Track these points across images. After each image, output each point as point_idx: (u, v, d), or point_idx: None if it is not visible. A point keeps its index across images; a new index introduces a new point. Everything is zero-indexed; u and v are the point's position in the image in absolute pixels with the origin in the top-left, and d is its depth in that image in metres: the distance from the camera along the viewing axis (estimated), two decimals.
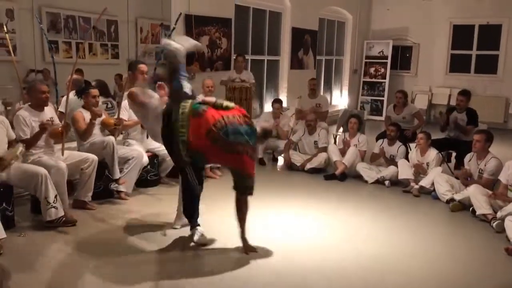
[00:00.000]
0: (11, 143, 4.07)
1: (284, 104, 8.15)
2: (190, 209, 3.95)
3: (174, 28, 5.86)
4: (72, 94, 5.47)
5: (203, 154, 3.64)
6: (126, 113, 5.24)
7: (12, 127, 4.24)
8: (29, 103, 4.43)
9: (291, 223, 4.50)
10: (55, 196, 4.02)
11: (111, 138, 4.82)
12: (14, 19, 6.67)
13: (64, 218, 4.09)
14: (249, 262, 3.61)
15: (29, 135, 4.22)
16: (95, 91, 4.99)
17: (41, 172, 3.97)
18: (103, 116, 5.04)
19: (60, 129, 4.35)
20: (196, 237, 3.89)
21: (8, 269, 1.84)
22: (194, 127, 3.55)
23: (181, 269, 3.50)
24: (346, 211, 4.92)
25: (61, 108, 5.40)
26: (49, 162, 4.21)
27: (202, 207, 4.02)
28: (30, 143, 4.22)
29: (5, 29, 5.42)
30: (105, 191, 4.89)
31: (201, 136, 3.53)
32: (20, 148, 3.91)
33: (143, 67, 5.33)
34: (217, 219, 4.33)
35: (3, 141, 4.00)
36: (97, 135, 4.91)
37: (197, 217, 3.98)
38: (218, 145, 3.52)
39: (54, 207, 4.01)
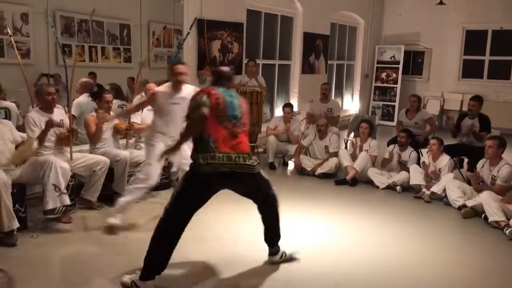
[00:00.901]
0: (18, 145, 4.15)
1: (295, 109, 8.15)
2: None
3: (188, 33, 5.89)
4: (84, 97, 5.55)
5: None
6: (138, 117, 5.27)
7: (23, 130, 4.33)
8: (39, 106, 4.50)
9: (301, 228, 4.48)
10: (66, 187, 4.10)
11: (126, 154, 4.82)
12: (29, 23, 6.77)
13: (64, 208, 4.15)
14: (258, 266, 3.61)
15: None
16: (109, 96, 5.04)
17: (49, 160, 4.06)
18: (116, 121, 5.07)
19: (66, 133, 4.40)
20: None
21: (14, 277, 1.86)
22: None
23: (192, 270, 3.50)
24: (356, 216, 4.89)
25: (74, 112, 5.46)
26: (57, 163, 4.25)
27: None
28: (39, 141, 4.27)
29: (9, 31, 5.49)
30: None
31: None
32: (34, 144, 4.00)
33: (180, 67, 4.52)
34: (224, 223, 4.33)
35: (9, 140, 4.10)
36: (108, 140, 4.95)
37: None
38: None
39: (64, 193, 4.07)
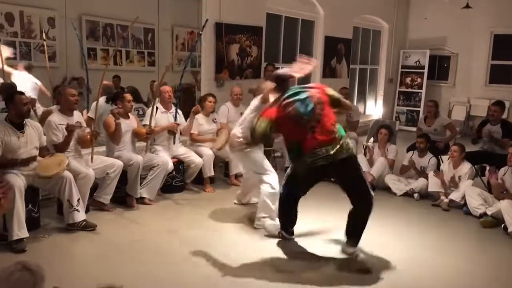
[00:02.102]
0: (41, 150, 4.17)
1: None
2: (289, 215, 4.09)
3: (200, 34, 5.93)
4: (102, 100, 5.64)
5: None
6: (153, 119, 5.33)
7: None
8: (59, 107, 4.58)
9: (312, 234, 4.43)
10: (78, 200, 4.12)
11: (139, 159, 4.86)
12: (55, 27, 6.96)
13: (84, 222, 4.18)
14: (263, 268, 3.59)
15: (62, 139, 4.35)
16: (129, 96, 5.10)
17: (65, 175, 4.06)
18: (135, 123, 5.13)
19: (88, 136, 4.47)
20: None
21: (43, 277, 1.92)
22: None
23: (194, 270, 3.52)
24: (372, 224, 4.76)
25: (91, 114, 5.55)
26: (78, 168, 4.32)
27: None
28: (62, 147, 4.34)
29: (43, 36, 5.66)
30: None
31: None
32: (66, 161, 4.03)
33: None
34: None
35: (35, 146, 4.10)
36: (127, 144, 5.00)
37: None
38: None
39: (76, 210, 4.11)
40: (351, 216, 3.88)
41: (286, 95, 3.68)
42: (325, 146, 3.54)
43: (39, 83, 6.21)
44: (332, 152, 3.54)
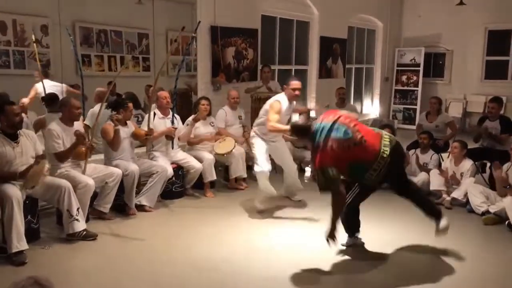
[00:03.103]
0: (36, 158, 4.09)
1: (312, 114, 8.05)
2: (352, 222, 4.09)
3: (194, 37, 5.90)
4: (99, 107, 5.58)
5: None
6: (151, 125, 5.27)
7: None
8: (60, 117, 4.52)
9: (316, 237, 4.39)
10: (78, 209, 4.07)
11: (135, 168, 4.81)
12: (49, 35, 6.90)
13: (85, 232, 4.13)
14: (270, 272, 3.55)
15: (63, 148, 4.30)
16: (131, 105, 5.08)
17: (64, 185, 4.02)
18: (133, 128, 5.09)
19: (83, 149, 4.41)
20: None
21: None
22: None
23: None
24: (372, 223, 4.75)
25: (87, 121, 5.50)
26: (78, 177, 4.27)
27: None
28: (65, 155, 4.30)
29: (33, 37, 5.63)
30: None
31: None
32: (46, 165, 3.97)
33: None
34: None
35: (31, 156, 4.04)
36: (125, 151, 4.95)
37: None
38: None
39: (76, 219, 4.06)
40: (417, 205, 4.03)
41: (317, 138, 3.65)
42: (382, 148, 3.61)
43: (63, 85, 6.27)
44: (388, 151, 3.61)
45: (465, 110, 11.09)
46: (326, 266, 3.76)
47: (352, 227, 4.14)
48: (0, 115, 3.88)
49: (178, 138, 5.58)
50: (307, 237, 4.36)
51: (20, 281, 1.72)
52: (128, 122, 5.10)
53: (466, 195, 5.19)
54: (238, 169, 5.85)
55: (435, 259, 3.96)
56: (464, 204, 5.23)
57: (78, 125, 4.62)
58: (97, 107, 5.64)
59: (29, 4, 6.63)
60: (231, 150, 5.66)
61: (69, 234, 4.09)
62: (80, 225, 4.10)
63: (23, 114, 4.99)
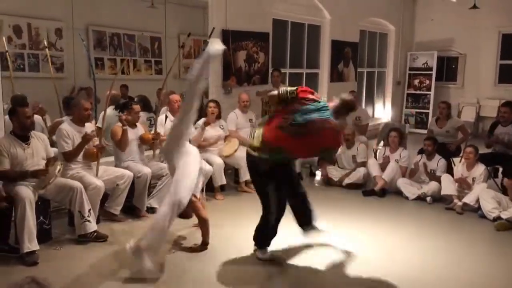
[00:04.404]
0: (49, 161, 4.16)
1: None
2: (272, 234, 3.93)
3: (207, 42, 5.93)
4: (110, 109, 5.64)
5: (282, 147, 3.59)
6: (162, 128, 5.31)
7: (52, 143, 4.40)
8: (71, 118, 4.58)
9: (325, 240, 4.39)
10: (89, 210, 4.11)
11: (148, 171, 4.84)
12: (62, 38, 6.99)
13: (96, 233, 4.17)
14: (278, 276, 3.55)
15: (72, 148, 4.34)
16: (137, 107, 5.09)
17: (76, 186, 4.06)
18: (142, 131, 5.13)
19: (94, 150, 4.46)
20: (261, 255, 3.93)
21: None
22: (266, 129, 3.67)
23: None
24: (384, 228, 4.75)
25: (99, 124, 5.55)
26: (88, 179, 4.31)
27: None
28: (73, 154, 4.34)
29: (45, 43, 5.69)
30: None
31: (272, 129, 3.61)
32: (58, 166, 4.02)
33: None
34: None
35: (42, 158, 4.10)
36: (134, 153, 4.99)
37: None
38: (292, 133, 3.52)
39: (88, 220, 4.10)
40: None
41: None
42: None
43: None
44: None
45: (478, 115, 10.98)
46: (335, 267, 3.76)
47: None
48: (12, 116, 3.97)
49: (189, 141, 5.61)
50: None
51: (19, 281, 1.79)
52: (137, 124, 5.14)
53: (478, 200, 5.14)
54: (248, 173, 5.85)
55: (445, 264, 3.92)
56: (476, 210, 5.18)
57: (89, 127, 4.66)
58: (108, 110, 5.70)
59: (43, 8, 6.72)
60: (234, 152, 5.69)
61: (81, 235, 4.13)
62: (92, 226, 4.14)
63: (39, 117, 5.10)
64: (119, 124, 4.87)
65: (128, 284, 3.46)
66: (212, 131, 5.86)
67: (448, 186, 5.47)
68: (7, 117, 4.43)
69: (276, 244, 4.02)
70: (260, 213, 3.85)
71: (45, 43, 6.33)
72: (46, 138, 4.27)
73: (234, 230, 4.60)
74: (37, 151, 4.04)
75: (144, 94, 6.47)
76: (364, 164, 6.29)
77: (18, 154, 3.89)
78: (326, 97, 9.32)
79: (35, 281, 1.81)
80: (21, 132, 3.97)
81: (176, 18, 8.35)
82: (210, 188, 5.63)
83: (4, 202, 3.71)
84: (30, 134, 4.05)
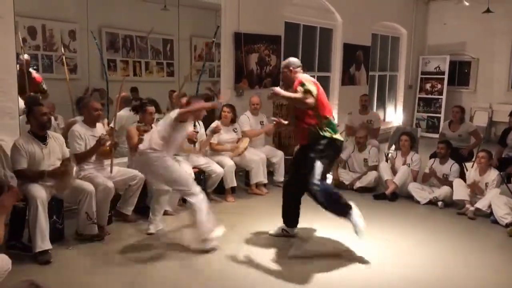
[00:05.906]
0: (63, 161, 4.19)
1: (335, 121, 8.03)
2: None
3: (214, 41, 5.97)
4: (124, 111, 5.69)
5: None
6: None
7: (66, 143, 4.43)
8: (83, 119, 4.63)
9: (336, 244, 4.38)
10: (95, 212, 4.16)
11: None
12: (76, 40, 7.06)
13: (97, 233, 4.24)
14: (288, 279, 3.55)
15: (84, 149, 4.38)
16: (152, 109, 5.11)
17: (88, 189, 4.11)
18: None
19: (108, 147, 4.49)
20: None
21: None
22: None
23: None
24: (394, 233, 4.73)
25: (112, 124, 5.59)
26: (98, 180, 4.33)
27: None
28: (85, 156, 4.37)
29: (62, 50, 5.75)
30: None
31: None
32: (74, 168, 4.07)
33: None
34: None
35: (57, 158, 4.15)
36: None
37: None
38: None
39: (94, 223, 4.16)
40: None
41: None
42: None
43: None
44: None
45: (491, 119, 10.89)
46: (345, 271, 3.75)
47: (291, 218, 4.45)
48: (29, 116, 4.02)
49: (200, 143, 5.64)
50: (321, 240, 4.34)
51: (18, 284, 1.82)
52: (153, 125, 5.16)
53: (490, 206, 5.10)
54: (258, 175, 5.88)
55: (457, 269, 3.90)
56: (488, 215, 5.14)
57: (100, 128, 4.69)
58: (122, 112, 5.75)
59: (58, 10, 6.78)
60: (243, 151, 5.73)
61: (80, 234, 4.18)
62: (95, 229, 4.21)
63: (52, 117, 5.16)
64: (136, 125, 4.88)
65: (142, 284, 3.48)
66: (226, 135, 5.89)
67: (460, 191, 5.43)
68: (22, 117, 4.51)
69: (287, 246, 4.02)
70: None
71: (62, 49, 6.41)
72: (62, 138, 4.32)
73: (245, 232, 4.60)
74: (53, 152, 4.10)
75: (154, 96, 6.51)
76: (375, 167, 6.27)
77: (36, 154, 3.95)
78: (337, 102, 9.35)
79: (34, 285, 1.83)
80: (39, 130, 4.03)
81: (188, 20, 8.40)
82: (221, 190, 5.65)
83: (22, 202, 3.75)
84: (48, 134, 4.10)
